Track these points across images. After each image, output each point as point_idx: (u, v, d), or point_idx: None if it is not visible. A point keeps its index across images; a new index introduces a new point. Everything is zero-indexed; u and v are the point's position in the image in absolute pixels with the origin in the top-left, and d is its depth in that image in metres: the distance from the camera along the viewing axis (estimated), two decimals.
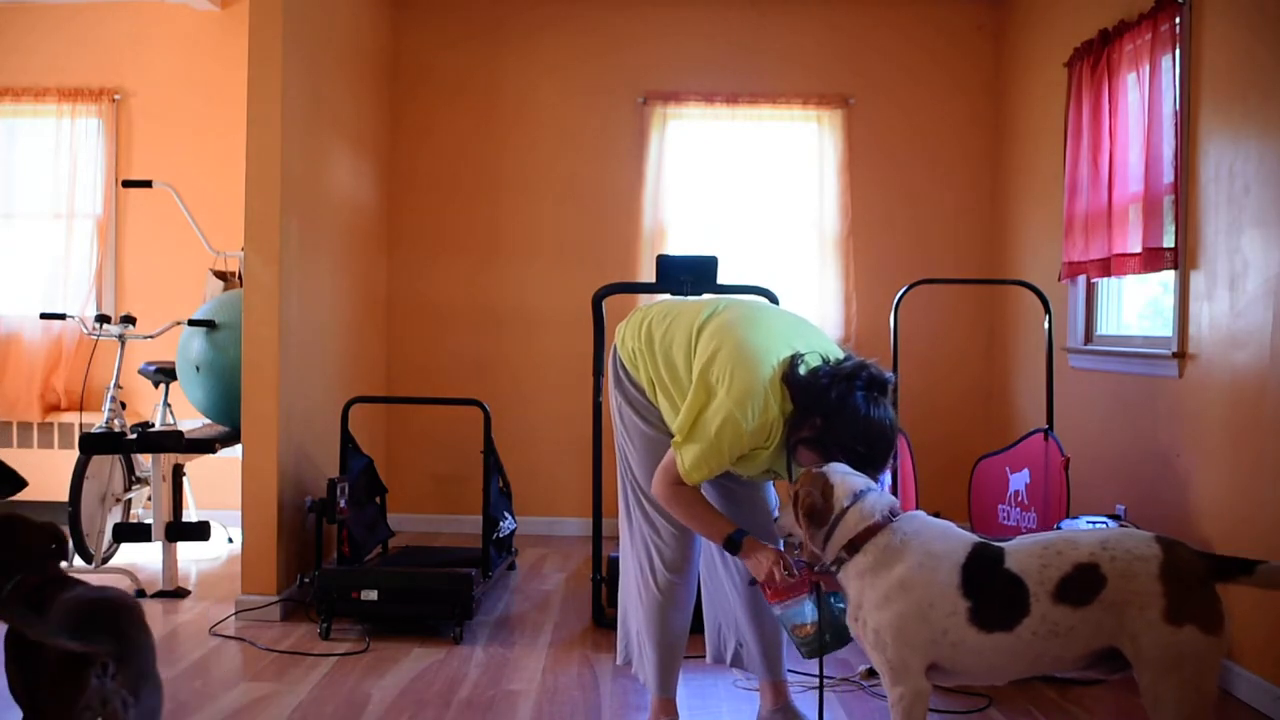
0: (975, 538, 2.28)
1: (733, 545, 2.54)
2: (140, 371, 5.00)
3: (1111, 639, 2.13)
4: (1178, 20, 3.67)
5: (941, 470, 5.08)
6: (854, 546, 2.27)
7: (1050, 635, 2.14)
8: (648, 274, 5.36)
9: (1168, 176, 3.68)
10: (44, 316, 4.76)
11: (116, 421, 4.66)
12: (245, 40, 4.00)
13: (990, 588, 2.17)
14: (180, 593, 4.28)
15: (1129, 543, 2.14)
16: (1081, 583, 2.12)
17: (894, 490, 3.73)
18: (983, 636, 2.17)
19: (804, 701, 3.20)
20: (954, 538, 2.26)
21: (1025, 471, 3.88)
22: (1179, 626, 2.06)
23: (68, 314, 4.85)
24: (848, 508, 2.28)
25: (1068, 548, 2.17)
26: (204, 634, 3.78)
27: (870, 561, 2.24)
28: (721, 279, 3.90)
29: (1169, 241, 3.70)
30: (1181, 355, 3.64)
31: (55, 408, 5.69)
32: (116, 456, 4.73)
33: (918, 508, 3.74)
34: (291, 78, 4.06)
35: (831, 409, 2.39)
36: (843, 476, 2.32)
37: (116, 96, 5.70)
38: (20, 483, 2.54)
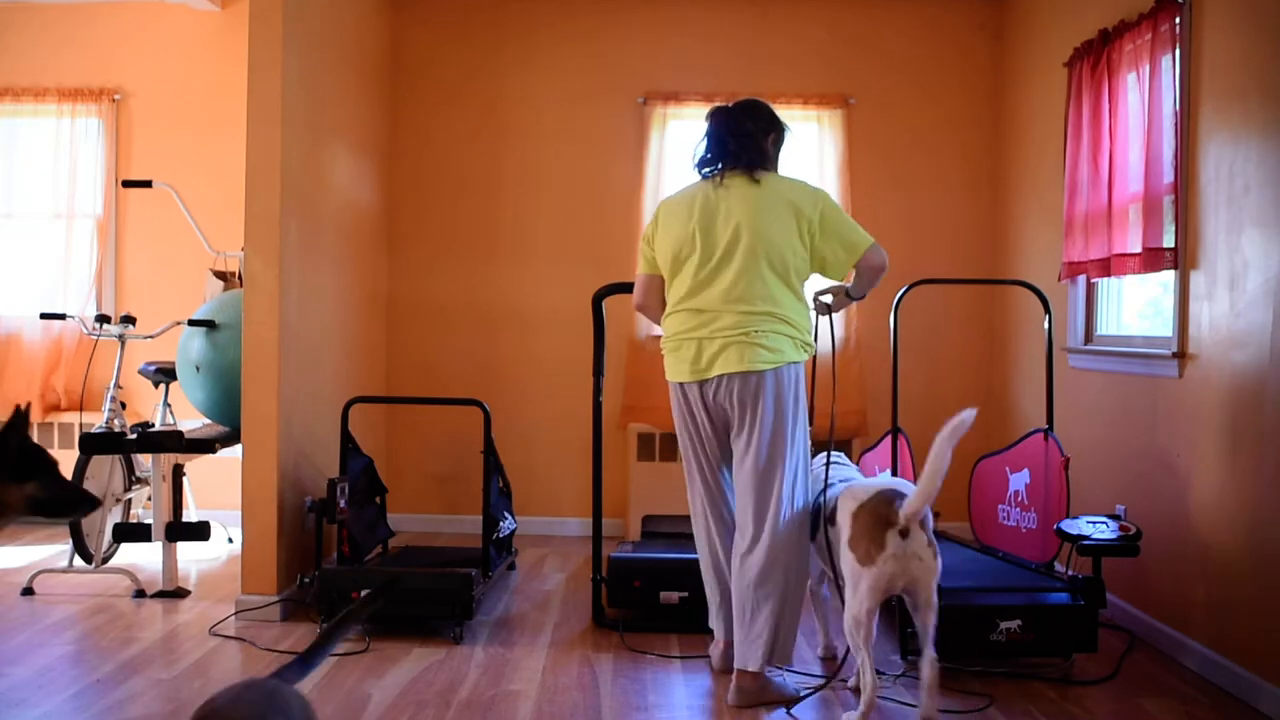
0: (881, 485, 3.06)
1: None
2: (140, 371, 5.00)
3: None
4: (1178, 20, 3.67)
5: None
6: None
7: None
8: None
9: (1168, 176, 3.68)
10: (44, 316, 4.75)
11: (116, 421, 4.66)
12: (245, 40, 4.00)
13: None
14: (180, 593, 4.28)
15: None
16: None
17: None
18: (860, 569, 2.91)
19: (807, 701, 3.20)
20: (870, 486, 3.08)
21: (1025, 471, 3.87)
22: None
23: (68, 314, 4.85)
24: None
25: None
26: (204, 634, 3.78)
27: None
28: None
29: (1169, 241, 3.70)
30: (1181, 355, 3.64)
31: (55, 408, 5.69)
32: (116, 456, 4.73)
33: None
34: (291, 78, 4.07)
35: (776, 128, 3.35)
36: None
37: (116, 96, 5.71)
38: (95, 502, 2.64)
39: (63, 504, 2.61)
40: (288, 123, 4.04)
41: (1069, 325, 4.59)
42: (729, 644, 3.41)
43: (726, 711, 3.14)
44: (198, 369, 4.41)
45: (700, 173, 3.27)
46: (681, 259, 3.20)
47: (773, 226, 3.11)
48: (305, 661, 1.94)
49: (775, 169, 3.29)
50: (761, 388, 3.11)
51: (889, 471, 3.90)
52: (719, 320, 3.13)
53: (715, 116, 3.29)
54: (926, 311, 5.45)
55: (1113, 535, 3.41)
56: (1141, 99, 3.86)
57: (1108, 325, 4.45)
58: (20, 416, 2.51)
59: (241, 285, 4.14)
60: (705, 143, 3.28)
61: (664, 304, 3.33)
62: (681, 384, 3.26)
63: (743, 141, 3.19)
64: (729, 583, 3.33)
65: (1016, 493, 3.93)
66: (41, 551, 4.99)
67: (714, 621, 3.45)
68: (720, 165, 3.21)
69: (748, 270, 3.11)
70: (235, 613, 3.97)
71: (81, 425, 5.43)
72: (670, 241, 3.22)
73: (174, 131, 5.69)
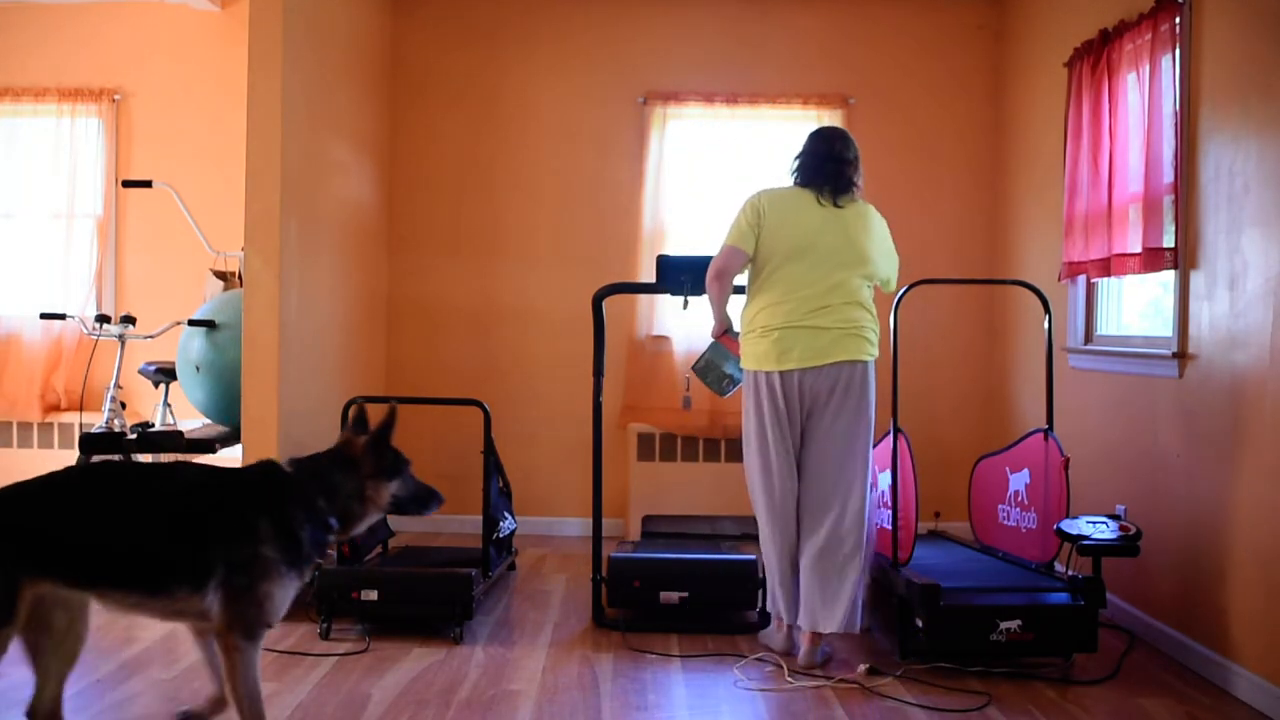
0: None
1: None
2: (140, 371, 5.00)
3: None
4: (1178, 20, 3.67)
5: (941, 470, 5.08)
6: None
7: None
8: (648, 274, 5.36)
9: (1168, 176, 3.68)
10: (44, 316, 4.75)
11: (116, 421, 4.65)
12: (245, 40, 4.00)
13: None
14: None
15: None
16: None
17: (894, 490, 3.73)
18: None
19: (807, 701, 3.20)
20: None
21: (1025, 471, 3.88)
22: None
23: (68, 314, 4.84)
24: None
25: None
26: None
27: None
28: None
29: (1169, 241, 3.70)
30: (1181, 355, 3.64)
31: (55, 408, 5.69)
32: (116, 457, 4.72)
33: (917, 508, 3.77)
34: (291, 78, 4.07)
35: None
36: None
37: (116, 96, 5.71)
38: (439, 499, 2.83)
39: (418, 500, 2.81)
40: (288, 123, 4.04)
41: (1069, 325, 4.59)
42: (792, 626, 3.62)
43: (726, 711, 3.14)
44: (198, 369, 4.41)
45: (801, 183, 3.65)
46: (800, 253, 3.54)
47: (866, 243, 3.59)
48: None
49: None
50: (862, 374, 3.56)
51: (888, 471, 3.90)
52: (839, 313, 3.52)
53: (818, 139, 3.71)
54: (926, 311, 5.44)
55: (1113, 535, 3.42)
56: (1141, 99, 3.86)
57: (1108, 325, 4.45)
58: (392, 418, 2.58)
59: (241, 285, 4.14)
60: (805, 159, 3.68)
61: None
62: (781, 372, 3.52)
63: (845, 167, 3.66)
64: (794, 567, 3.60)
65: (1016, 493, 3.93)
66: None
67: (780, 606, 3.62)
68: (824, 183, 3.62)
69: (854, 276, 3.56)
70: None
71: (81, 425, 5.43)
72: (785, 236, 3.57)
73: (174, 131, 5.69)
